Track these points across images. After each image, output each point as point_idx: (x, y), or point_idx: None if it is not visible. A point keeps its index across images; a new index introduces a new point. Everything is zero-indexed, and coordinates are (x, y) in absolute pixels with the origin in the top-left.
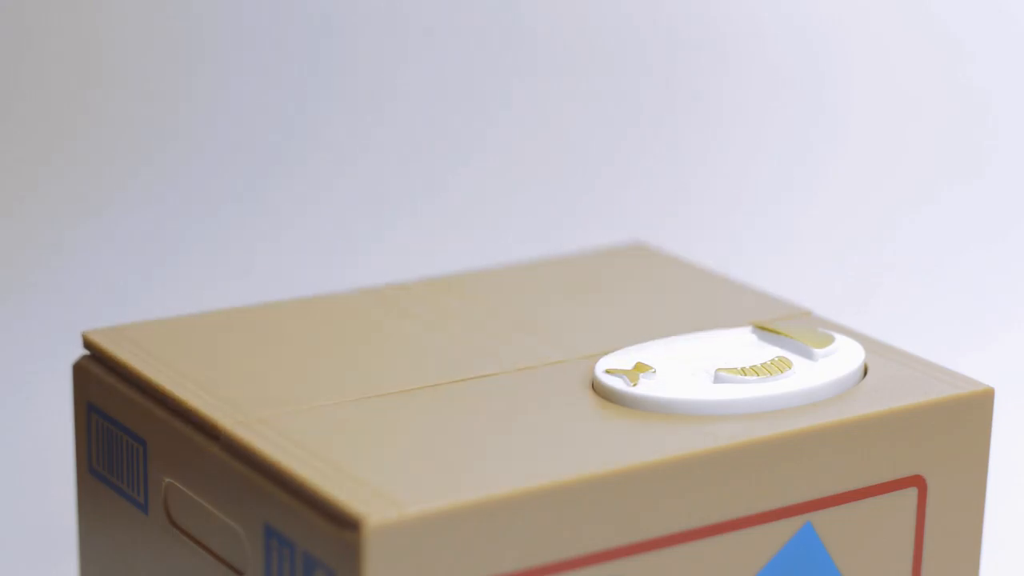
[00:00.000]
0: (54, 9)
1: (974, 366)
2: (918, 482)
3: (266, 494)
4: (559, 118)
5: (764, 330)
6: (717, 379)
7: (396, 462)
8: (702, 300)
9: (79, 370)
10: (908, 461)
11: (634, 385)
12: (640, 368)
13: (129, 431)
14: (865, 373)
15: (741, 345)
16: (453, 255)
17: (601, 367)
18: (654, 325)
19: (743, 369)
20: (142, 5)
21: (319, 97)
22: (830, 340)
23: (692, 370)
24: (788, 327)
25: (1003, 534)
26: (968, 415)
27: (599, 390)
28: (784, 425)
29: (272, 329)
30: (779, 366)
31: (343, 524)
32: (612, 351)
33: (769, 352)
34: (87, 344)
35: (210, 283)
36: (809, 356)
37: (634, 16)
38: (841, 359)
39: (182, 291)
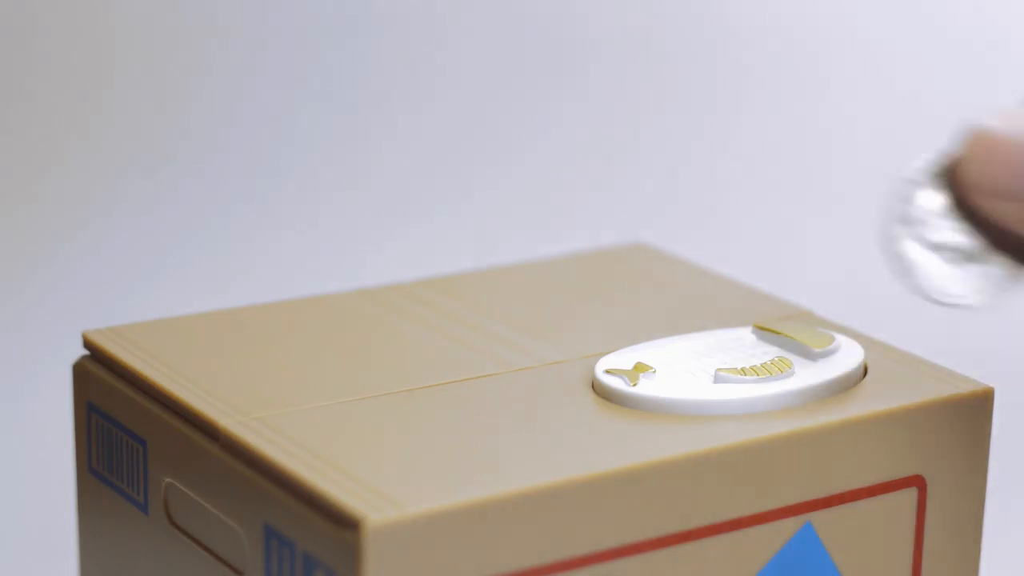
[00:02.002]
0: (57, 9)
1: (974, 366)
2: (918, 482)
3: (266, 494)
4: (560, 117)
5: (764, 330)
6: (717, 379)
7: (396, 462)
8: (702, 300)
9: (79, 370)
10: (908, 461)
11: (634, 385)
12: (640, 368)
13: (129, 431)
14: (865, 373)
15: (741, 345)
16: (453, 255)
17: (601, 367)
18: (654, 325)
19: (743, 369)
20: (146, 4)
21: (320, 98)
22: (830, 340)
23: (692, 370)
24: (788, 327)
25: (1003, 534)
26: (968, 415)
27: (599, 390)
28: (784, 425)
29: (272, 329)
30: (779, 366)
31: (343, 524)
32: (612, 351)
33: (769, 352)
34: (87, 344)
35: (210, 283)
36: (809, 356)
37: (636, 16)
38: (841, 359)
39: (182, 291)
